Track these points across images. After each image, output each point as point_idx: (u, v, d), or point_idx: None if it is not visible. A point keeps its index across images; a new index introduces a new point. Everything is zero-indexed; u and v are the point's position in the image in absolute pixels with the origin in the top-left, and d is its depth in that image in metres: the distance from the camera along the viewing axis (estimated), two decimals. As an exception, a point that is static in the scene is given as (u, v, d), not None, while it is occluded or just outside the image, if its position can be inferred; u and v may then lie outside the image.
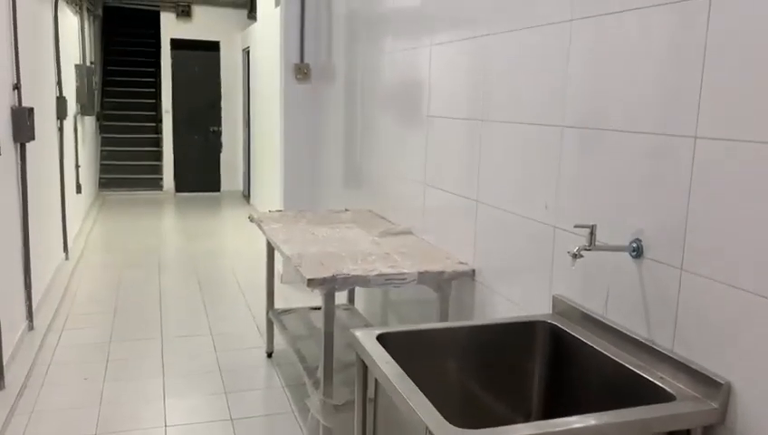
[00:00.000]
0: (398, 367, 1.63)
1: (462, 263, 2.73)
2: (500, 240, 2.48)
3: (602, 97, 1.90)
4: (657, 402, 1.57)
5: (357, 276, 2.54)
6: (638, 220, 1.77)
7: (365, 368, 1.91)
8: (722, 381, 1.49)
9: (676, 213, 1.63)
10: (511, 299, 2.41)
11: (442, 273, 2.62)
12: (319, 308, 3.93)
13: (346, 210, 4.01)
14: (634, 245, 1.77)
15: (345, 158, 4.60)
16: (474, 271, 2.66)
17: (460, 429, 1.36)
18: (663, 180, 1.67)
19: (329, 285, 2.52)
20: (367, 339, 1.85)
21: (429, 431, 1.35)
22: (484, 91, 2.57)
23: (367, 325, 3.67)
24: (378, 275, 2.55)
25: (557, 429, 1.40)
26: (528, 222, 2.28)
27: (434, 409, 1.43)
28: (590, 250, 1.75)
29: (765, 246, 1.40)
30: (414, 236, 3.28)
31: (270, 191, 7.44)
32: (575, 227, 1.73)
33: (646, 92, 1.73)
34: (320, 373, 2.70)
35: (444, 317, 2.70)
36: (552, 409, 2.02)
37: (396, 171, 3.58)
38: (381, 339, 1.87)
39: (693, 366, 1.57)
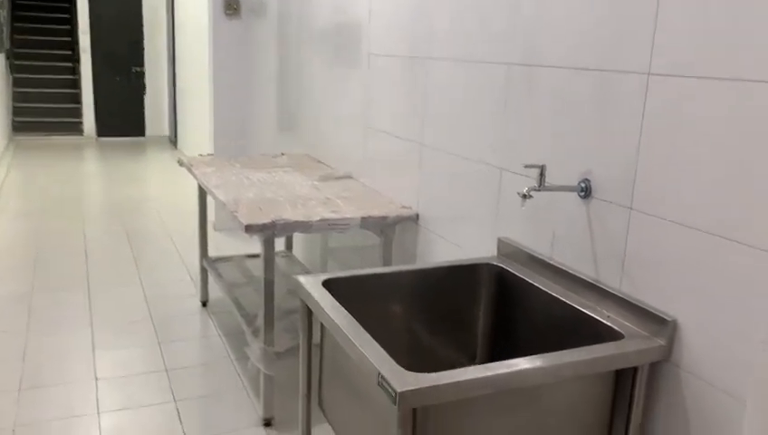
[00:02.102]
0: (348, 313, 1.57)
1: (405, 207, 2.67)
2: (445, 183, 2.43)
3: (550, 32, 1.84)
4: (605, 341, 1.58)
5: (298, 222, 2.45)
6: (587, 160, 1.75)
7: (310, 314, 1.85)
8: (668, 319, 1.50)
9: (627, 152, 1.61)
10: (455, 243, 2.39)
11: (385, 217, 2.56)
12: (255, 256, 3.83)
13: (282, 154, 3.88)
14: (582, 185, 1.75)
15: (279, 99, 4.42)
16: (417, 215, 2.61)
17: (414, 373, 1.32)
18: (614, 119, 1.65)
19: (268, 232, 2.42)
20: (312, 285, 1.78)
21: (382, 377, 1.31)
22: (427, 27, 2.47)
23: (306, 272, 3.60)
24: (320, 221, 2.47)
25: (509, 370, 1.38)
26: (474, 165, 2.24)
27: (386, 355, 1.39)
28: (539, 191, 1.72)
29: (716, 184, 1.39)
30: (355, 180, 3.19)
31: (199, 136, 7.16)
32: (525, 167, 1.69)
33: (596, 26, 1.68)
34: (260, 321, 2.63)
35: (387, 262, 2.66)
36: (497, 350, 2.03)
37: (334, 114, 3.46)
38: (327, 285, 1.80)
39: (639, 304, 1.59)
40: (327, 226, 2.49)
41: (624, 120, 1.62)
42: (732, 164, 1.36)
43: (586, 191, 1.75)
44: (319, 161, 3.67)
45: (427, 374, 1.32)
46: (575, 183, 1.78)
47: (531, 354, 1.87)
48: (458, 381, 1.32)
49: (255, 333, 2.73)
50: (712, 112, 1.39)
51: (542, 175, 1.71)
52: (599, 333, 1.63)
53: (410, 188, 2.67)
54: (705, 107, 1.41)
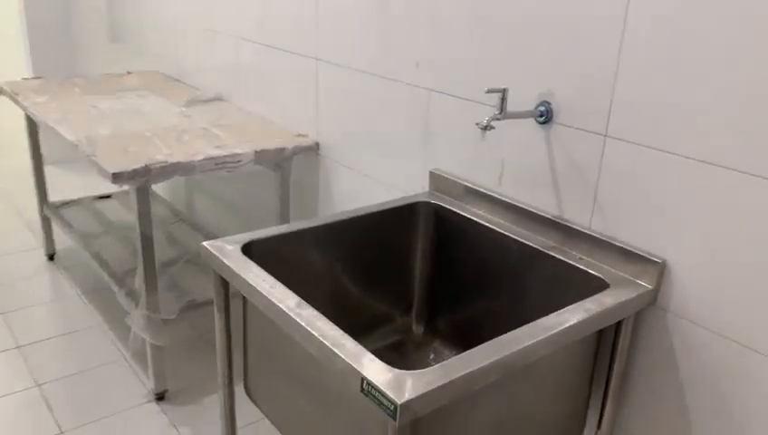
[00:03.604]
0: (295, 295, 1.24)
1: (301, 135, 2.30)
2: (353, 107, 2.08)
3: (496, -77, 1.52)
4: (580, 287, 1.40)
5: (177, 164, 2.00)
6: (547, 79, 1.49)
7: (225, 287, 1.49)
8: (657, 259, 1.34)
9: (603, 68, 1.37)
10: (368, 174, 2.08)
11: (283, 150, 2.18)
12: (107, 196, 3.27)
13: (129, 73, 3.25)
14: (541, 109, 1.51)
15: (110, 1, 3.69)
16: (318, 144, 2.25)
17: (402, 371, 1.04)
18: (583, 26, 1.39)
19: (141, 179, 1.95)
20: (230, 254, 1.41)
21: (369, 383, 1.02)
22: None
23: (173, 210, 3.13)
24: (205, 160, 2.04)
25: (513, 349, 1.13)
26: (392, 84, 1.91)
27: (363, 349, 1.09)
28: (500, 120, 1.45)
29: (716, 103, 1.20)
30: (228, 103, 2.73)
31: (5, 49, 5.99)
32: (487, 92, 1.40)
33: None
34: (138, 284, 2.19)
35: (285, 201, 2.31)
36: (437, 299, 1.80)
37: (193, 20, 2.90)
38: (246, 250, 1.44)
39: (618, 244, 1.41)
40: (214, 165, 2.06)
41: (598, 28, 1.37)
42: (736, 82, 1.17)
43: (546, 116, 1.51)
44: (176, 80, 3.12)
45: (420, 372, 1.05)
46: (532, 107, 1.53)
47: (485, 304, 1.68)
48: (464, 375, 1.05)
49: (131, 295, 2.29)
50: (720, 11, 1.18)
51: (503, 100, 1.43)
52: (572, 279, 1.45)
53: (305, 113, 2.29)
54: (705, 6, 1.19)
